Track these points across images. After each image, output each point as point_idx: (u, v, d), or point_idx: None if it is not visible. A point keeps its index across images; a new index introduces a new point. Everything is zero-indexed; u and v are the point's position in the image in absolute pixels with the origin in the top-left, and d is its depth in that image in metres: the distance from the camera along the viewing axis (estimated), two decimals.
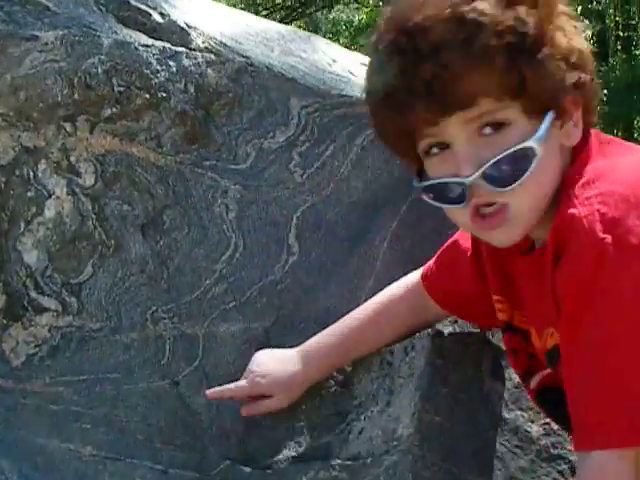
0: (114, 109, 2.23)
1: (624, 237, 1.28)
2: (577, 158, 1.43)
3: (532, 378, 1.72)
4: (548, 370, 1.63)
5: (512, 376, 1.91)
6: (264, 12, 14.07)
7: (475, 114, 1.35)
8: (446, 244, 1.86)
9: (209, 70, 2.25)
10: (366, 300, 2.10)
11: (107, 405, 2.17)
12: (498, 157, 1.33)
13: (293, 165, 2.22)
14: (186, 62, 2.24)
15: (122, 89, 2.21)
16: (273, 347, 2.16)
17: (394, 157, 1.78)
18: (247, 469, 2.08)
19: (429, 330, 1.95)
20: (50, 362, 2.20)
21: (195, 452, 2.13)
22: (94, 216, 2.24)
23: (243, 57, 2.27)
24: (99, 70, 2.21)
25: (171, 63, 2.23)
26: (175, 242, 2.24)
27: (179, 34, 2.27)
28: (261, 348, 2.17)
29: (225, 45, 2.30)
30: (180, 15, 2.31)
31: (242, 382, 2.04)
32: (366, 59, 2.33)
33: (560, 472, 1.89)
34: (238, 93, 2.24)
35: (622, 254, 1.29)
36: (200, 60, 2.25)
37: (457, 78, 1.32)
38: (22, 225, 2.24)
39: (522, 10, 1.34)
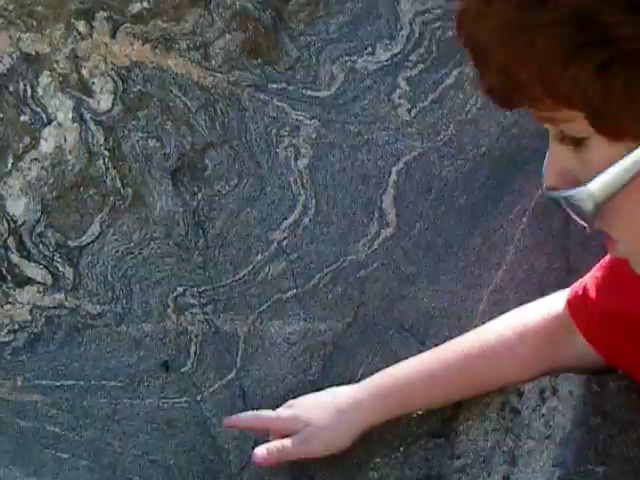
0: (146, 3, 1.81)
1: None
2: None
3: None
4: None
5: None
6: None
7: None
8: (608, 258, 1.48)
9: None
10: (487, 306, 1.72)
11: (97, 427, 1.72)
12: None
13: (398, 96, 1.78)
14: None
15: None
16: (342, 364, 1.75)
17: None
18: None
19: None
20: (26, 357, 1.77)
21: None
22: (107, 153, 1.80)
23: None
24: None
25: None
26: (218, 197, 1.79)
27: None
28: (327, 362, 1.73)
29: None
30: None
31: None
32: None
33: None
34: None
35: None
36: None
37: None
38: (9, 161, 1.81)
39: None
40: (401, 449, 1.57)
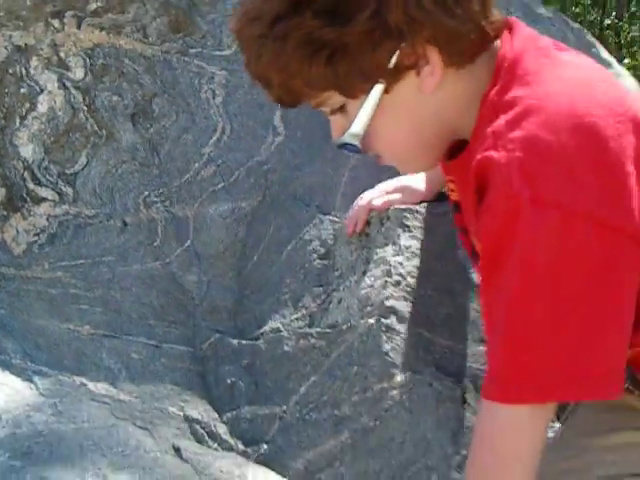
0: (99, 3, 2.34)
1: (540, 193, 1.22)
2: (502, 70, 1.35)
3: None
4: None
5: None
6: None
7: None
8: None
9: None
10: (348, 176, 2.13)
11: (103, 287, 2.24)
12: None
13: None
14: None
15: None
16: (259, 226, 2.22)
17: None
18: (235, 341, 2.11)
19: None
20: (49, 249, 2.29)
21: (187, 327, 2.20)
22: (85, 108, 2.33)
23: None
24: None
25: None
26: (164, 129, 2.32)
27: None
28: (249, 227, 2.18)
29: None
30: None
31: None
32: None
33: None
34: None
35: (536, 212, 1.22)
36: None
37: None
38: (17, 121, 2.33)
39: None
40: (302, 271, 2.13)
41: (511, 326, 1.29)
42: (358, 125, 1.35)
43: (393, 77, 1.34)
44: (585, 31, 2.96)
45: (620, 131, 1.27)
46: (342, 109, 1.36)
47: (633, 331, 1.31)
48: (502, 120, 1.26)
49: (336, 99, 1.37)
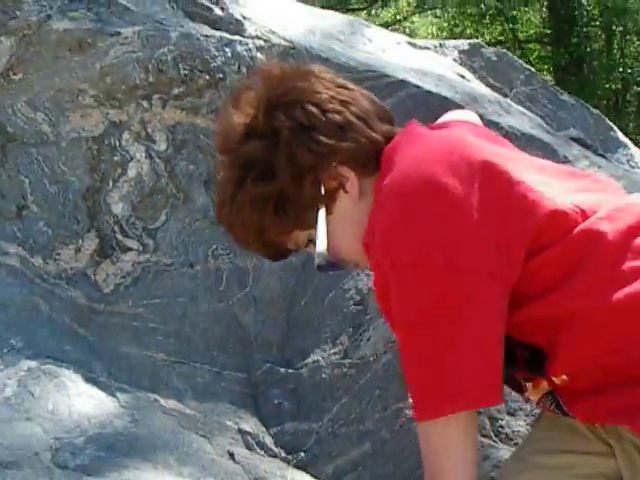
0: (181, 89, 2.78)
1: (396, 259, 1.54)
2: (382, 164, 1.67)
3: None
4: None
5: None
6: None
7: None
8: None
9: (258, 54, 2.79)
10: None
11: (176, 322, 2.66)
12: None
13: None
14: (239, 48, 2.80)
15: (187, 72, 2.78)
16: (306, 277, 2.64)
17: None
18: (283, 370, 2.55)
19: None
20: (133, 290, 2.71)
21: (244, 358, 2.61)
22: (167, 174, 2.78)
23: (287, 41, 2.81)
24: (168, 57, 2.78)
25: (227, 49, 2.79)
26: None
27: (235, 24, 2.84)
28: (298, 278, 2.63)
29: (273, 32, 2.85)
30: (237, 8, 2.89)
31: None
32: (402, 38, 2.79)
33: None
34: None
35: (398, 274, 1.54)
36: (251, 46, 2.81)
37: None
38: (111, 183, 2.79)
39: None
40: (340, 315, 2.62)
41: (404, 359, 1.62)
42: (319, 246, 1.64)
43: (329, 200, 1.66)
44: (603, 116, 3.42)
45: (464, 185, 1.57)
46: (312, 241, 1.65)
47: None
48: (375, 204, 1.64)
49: (302, 234, 1.68)
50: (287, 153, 1.64)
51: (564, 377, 1.62)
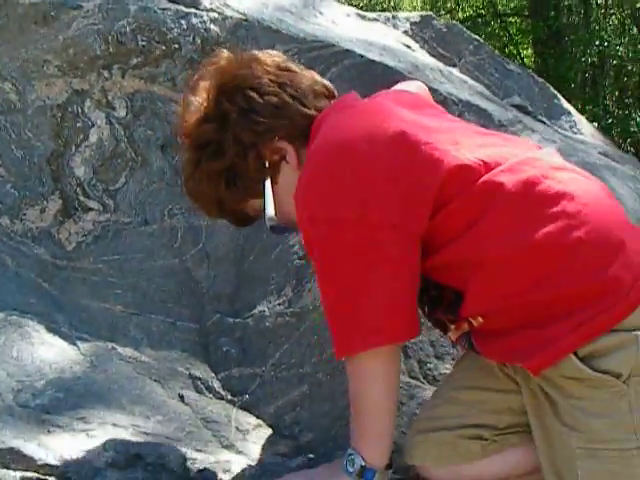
0: (139, 59, 2.90)
1: (313, 213, 1.81)
2: (312, 132, 1.94)
3: None
4: None
5: None
6: None
7: None
8: None
9: (212, 26, 2.93)
10: None
11: (134, 277, 2.80)
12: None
13: None
14: (194, 20, 2.94)
15: (145, 43, 2.91)
16: (255, 235, 2.77)
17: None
18: (232, 320, 2.72)
19: None
20: (93, 247, 2.86)
21: (196, 309, 2.75)
22: (126, 139, 2.90)
23: (240, 14, 2.95)
24: (127, 30, 2.91)
25: (182, 21, 2.93)
26: None
27: None
28: (247, 235, 2.80)
29: (227, 5, 2.98)
30: None
31: None
32: (352, 11, 2.92)
33: None
34: (235, 43, 2.86)
35: (314, 227, 1.81)
36: (205, 18, 2.94)
37: None
38: (73, 148, 2.93)
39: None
40: (285, 269, 2.82)
41: (323, 303, 1.87)
42: (269, 211, 1.95)
43: (273, 172, 1.95)
44: (548, 84, 3.59)
45: (376, 150, 1.80)
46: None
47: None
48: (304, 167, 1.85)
49: (257, 202, 1.97)
50: (233, 133, 1.91)
51: (480, 319, 1.81)
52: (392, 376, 1.90)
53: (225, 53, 1.99)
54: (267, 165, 1.92)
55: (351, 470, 1.91)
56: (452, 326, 1.94)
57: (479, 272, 1.81)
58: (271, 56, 2.01)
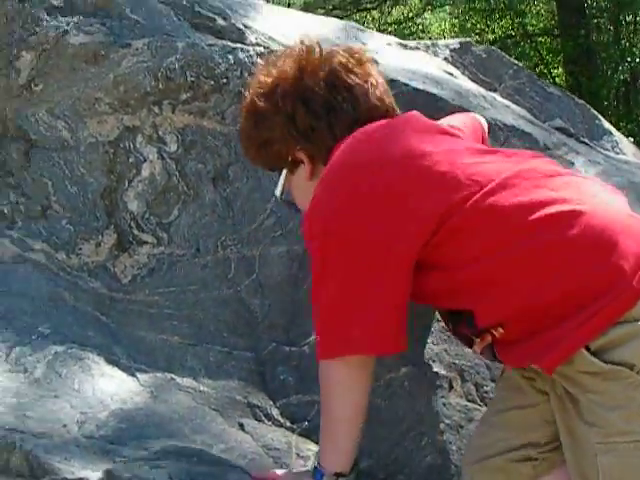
0: (188, 94, 2.97)
1: (313, 230, 2.02)
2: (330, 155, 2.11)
3: None
4: None
5: None
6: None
7: None
8: None
9: (259, 60, 2.96)
10: None
11: (189, 308, 2.85)
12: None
13: None
14: (241, 55, 3.00)
15: (193, 79, 2.97)
16: (308, 264, 2.75)
17: None
18: (287, 348, 2.77)
19: None
20: (149, 280, 2.90)
21: (252, 339, 2.81)
22: (177, 173, 2.96)
23: (286, 47, 2.86)
24: (176, 66, 2.98)
25: (229, 56, 3.00)
26: (237, 189, 2.92)
27: (237, 33, 3.05)
28: (300, 264, 2.85)
29: (273, 39, 3.05)
30: (239, 18, 3.09)
31: None
32: (393, 40, 3.00)
33: None
34: None
35: (314, 241, 2.02)
36: (252, 52, 3.01)
37: None
38: (126, 183, 2.99)
39: None
40: None
41: (312, 310, 2.01)
42: (277, 190, 2.25)
43: (292, 166, 2.16)
44: (588, 106, 3.62)
45: (373, 174, 1.94)
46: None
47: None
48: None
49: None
50: (270, 124, 2.14)
51: (500, 330, 1.86)
52: (362, 384, 2.04)
53: (316, 46, 2.20)
54: (290, 159, 2.17)
55: (309, 467, 2.10)
56: (477, 339, 1.99)
57: (489, 290, 1.89)
58: (347, 68, 2.15)
